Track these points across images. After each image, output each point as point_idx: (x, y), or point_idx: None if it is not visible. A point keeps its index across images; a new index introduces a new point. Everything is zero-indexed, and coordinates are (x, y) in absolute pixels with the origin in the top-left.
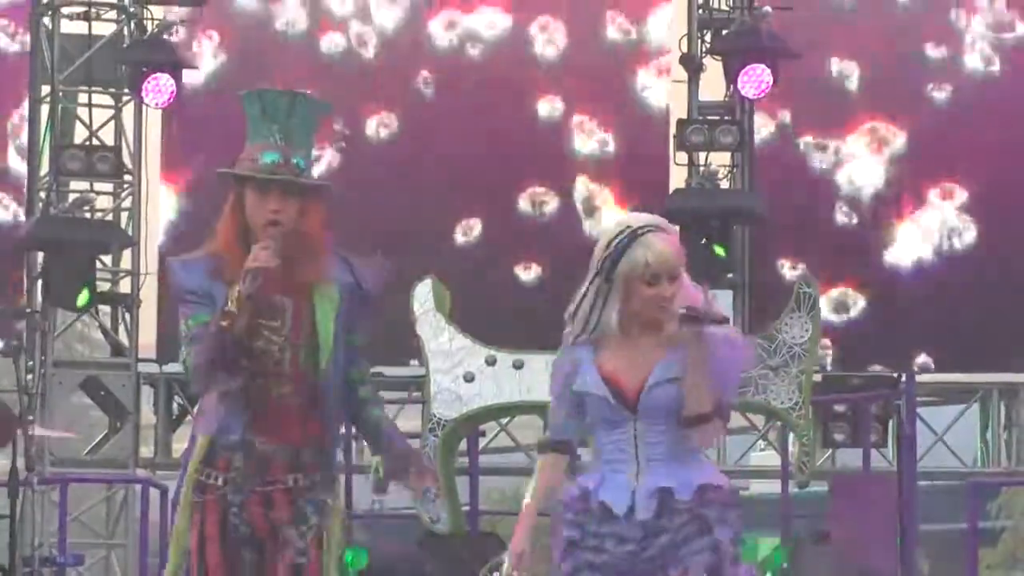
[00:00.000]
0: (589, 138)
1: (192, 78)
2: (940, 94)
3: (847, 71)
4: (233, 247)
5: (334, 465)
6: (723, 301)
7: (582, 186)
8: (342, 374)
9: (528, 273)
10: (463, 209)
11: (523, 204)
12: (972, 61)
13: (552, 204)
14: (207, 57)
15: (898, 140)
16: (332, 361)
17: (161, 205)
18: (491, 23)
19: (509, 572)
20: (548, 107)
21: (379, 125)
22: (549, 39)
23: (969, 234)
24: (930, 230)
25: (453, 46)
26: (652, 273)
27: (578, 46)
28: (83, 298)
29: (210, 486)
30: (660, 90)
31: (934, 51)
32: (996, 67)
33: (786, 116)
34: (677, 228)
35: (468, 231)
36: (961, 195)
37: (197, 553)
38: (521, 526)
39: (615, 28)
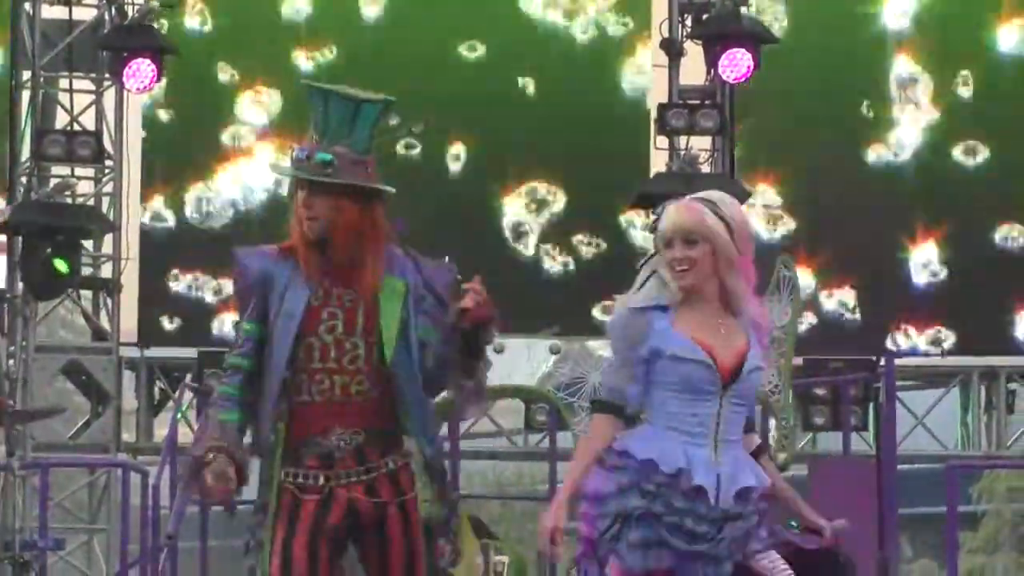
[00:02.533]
0: None
1: None
2: None
3: None
4: (297, 241)
5: (427, 456)
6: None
7: None
8: (417, 365)
9: None
10: None
11: None
12: None
13: None
14: None
15: None
16: (399, 353)
17: None
18: None
19: (544, 548)
20: None
21: None
22: None
23: None
24: None
25: None
26: (666, 238)
27: None
28: (62, 265)
29: (308, 487)
30: None
31: None
32: None
33: None
34: (726, 199)
35: None
36: None
37: (282, 550)
38: (558, 502)
39: None
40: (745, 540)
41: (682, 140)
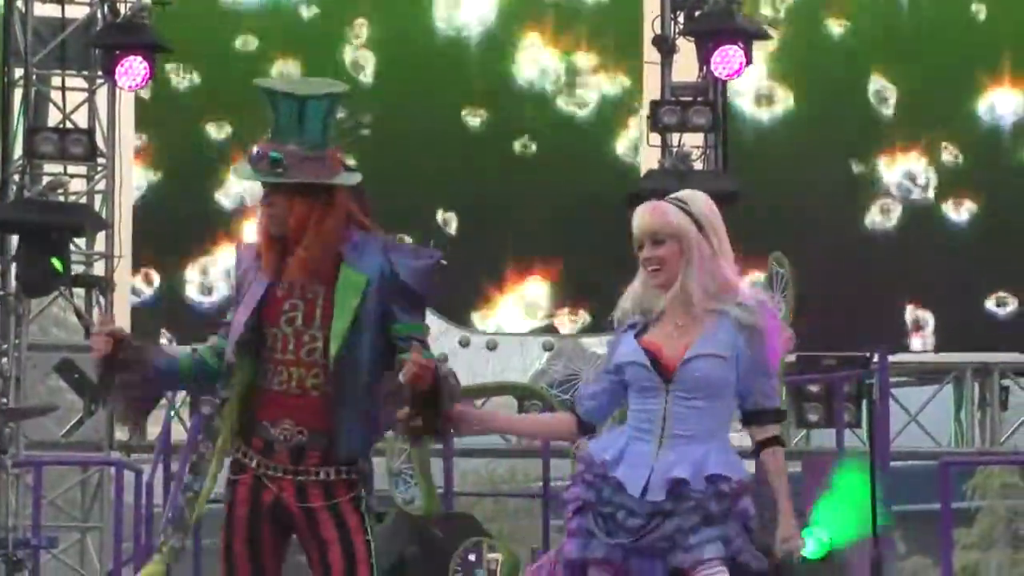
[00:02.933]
0: None
1: None
2: None
3: None
4: (263, 237)
5: (363, 461)
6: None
7: None
8: (372, 365)
9: None
10: None
11: None
12: None
13: None
14: None
15: None
16: (348, 348)
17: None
18: None
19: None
20: None
21: None
22: None
23: None
24: None
25: None
26: (637, 241)
27: None
28: (58, 264)
29: (244, 466)
30: None
31: None
32: None
33: None
34: (697, 197)
35: None
36: None
37: (224, 536)
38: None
39: None
40: (679, 538)
41: (674, 137)
